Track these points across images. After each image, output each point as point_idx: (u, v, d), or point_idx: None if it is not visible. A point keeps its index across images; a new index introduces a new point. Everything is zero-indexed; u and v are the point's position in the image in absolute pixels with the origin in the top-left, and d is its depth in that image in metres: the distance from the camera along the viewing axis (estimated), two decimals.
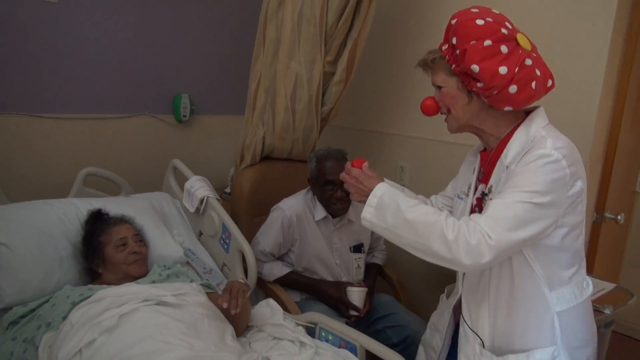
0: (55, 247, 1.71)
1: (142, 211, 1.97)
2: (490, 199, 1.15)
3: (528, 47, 1.10)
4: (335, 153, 2.03)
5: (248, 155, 2.38)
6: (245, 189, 2.34)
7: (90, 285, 1.64)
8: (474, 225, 1.03)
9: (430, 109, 1.25)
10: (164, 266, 1.81)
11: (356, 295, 1.99)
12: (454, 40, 1.11)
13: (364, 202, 1.18)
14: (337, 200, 2.00)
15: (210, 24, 2.85)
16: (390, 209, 1.12)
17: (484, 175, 1.25)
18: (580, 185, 1.10)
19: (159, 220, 2.04)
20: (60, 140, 2.35)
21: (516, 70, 1.06)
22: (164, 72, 2.70)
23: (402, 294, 2.31)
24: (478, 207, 1.25)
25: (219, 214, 2.07)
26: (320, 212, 2.07)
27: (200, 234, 2.22)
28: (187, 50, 2.77)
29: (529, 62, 1.09)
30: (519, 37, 1.10)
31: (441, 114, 1.26)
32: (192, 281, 1.78)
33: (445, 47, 1.17)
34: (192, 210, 2.14)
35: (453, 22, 1.13)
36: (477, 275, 1.23)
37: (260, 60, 2.31)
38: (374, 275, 2.26)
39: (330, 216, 2.08)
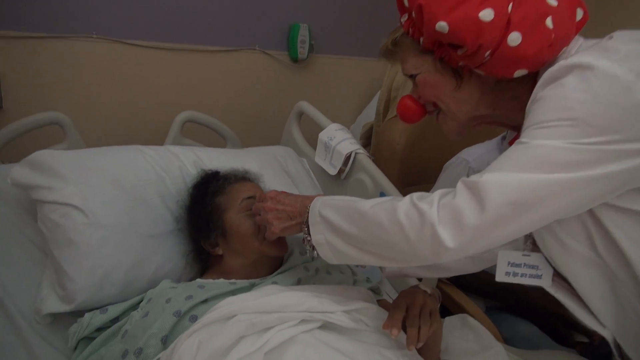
0: (151, 218, 1.11)
1: (268, 169, 1.33)
2: None
3: None
4: None
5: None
6: (399, 146, 1.65)
7: (200, 281, 1.03)
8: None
9: (411, 112, 0.93)
10: (307, 253, 1.17)
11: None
12: (406, 1, 0.82)
13: (294, 230, 0.93)
14: None
15: None
16: (342, 213, 0.82)
17: None
18: None
19: (292, 183, 1.39)
20: (148, 75, 1.79)
21: (510, 6, 0.73)
22: None
23: None
24: None
25: (376, 179, 1.39)
26: None
27: None
28: None
29: None
30: None
31: (429, 114, 0.93)
32: (355, 282, 1.13)
33: (404, 18, 0.86)
34: (332, 171, 1.48)
35: None
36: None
37: None
38: None
39: None
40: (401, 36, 0.87)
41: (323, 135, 1.53)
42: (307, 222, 0.87)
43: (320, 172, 1.56)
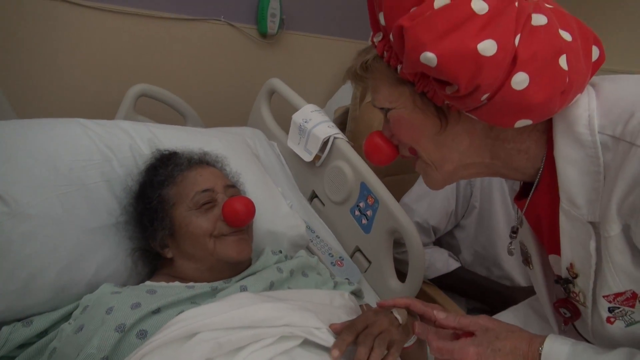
0: (92, 207, 0.91)
1: (236, 151, 1.16)
2: (578, 291, 0.65)
3: None
4: None
5: None
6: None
7: (150, 284, 0.85)
8: None
9: (381, 153, 0.76)
10: (280, 252, 1.01)
11: None
12: (382, 18, 0.63)
13: None
14: None
15: None
16: None
17: (545, 241, 0.72)
18: None
19: (263, 169, 1.22)
20: (96, 40, 1.56)
21: (517, 39, 0.56)
22: None
23: None
24: (563, 306, 0.71)
25: (357, 167, 1.24)
26: None
27: (313, 196, 1.40)
28: None
29: (540, 19, 0.57)
30: None
31: (402, 157, 0.76)
32: (336, 284, 0.98)
33: (377, 37, 0.67)
34: (308, 158, 1.32)
35: None
36: None
37: None
38: None
39: None
40: (373, 59, 0.68)
41: (297, 117, 1.36)
42: None
43: (292, 157, 1.40)
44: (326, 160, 1.32)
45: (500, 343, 0.64)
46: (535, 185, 0.68)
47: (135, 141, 1.03)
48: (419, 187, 1.34)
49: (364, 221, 1.24)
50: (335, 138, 1.30)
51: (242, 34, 1.92)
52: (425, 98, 0.64)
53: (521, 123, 0.60)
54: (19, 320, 0.77)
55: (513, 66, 0.56)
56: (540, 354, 0.62)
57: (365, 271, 1.24)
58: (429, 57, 0.56)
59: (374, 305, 0.92)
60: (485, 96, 0.58)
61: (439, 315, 0.71)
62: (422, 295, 1.27)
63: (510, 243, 0.80)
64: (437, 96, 0.63)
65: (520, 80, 0.56)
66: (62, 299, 0.81)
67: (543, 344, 0.62)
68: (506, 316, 0.89)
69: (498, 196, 1.28)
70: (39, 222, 0.82)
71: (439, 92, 0.61)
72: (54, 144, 0.93)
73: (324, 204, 1.36)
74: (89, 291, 0.81)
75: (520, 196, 0.73)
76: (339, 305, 0.81)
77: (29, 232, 0.80)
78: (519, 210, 0.75)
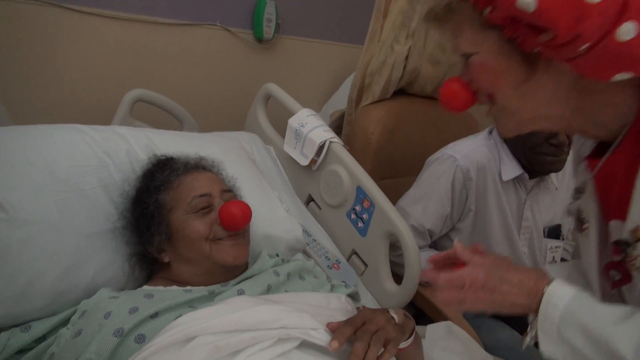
0: (89, 212, 0.92)
1: (232, 156, 1.16)
2: (637, 255, 0.63)
3: None
4: None
5: (377, 85, 1.55)
6: (374, 136, 1.52)
7: (148, 288, 0.86)
8: None
9: (458, 99, 0.72)
10: (277, 255, 1.02)
11: None
12: None
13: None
14: (554, 148, 1.21)
15: None
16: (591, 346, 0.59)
17: (612, 204, 0.69)
18: None
19: (259, 174, 1.23)
20: (93, 46, 1.57)
21: None
22: None
23: None
24: (615, 269, 0.70)
25: (353, 171, 1.25)
26: (512, 167, 1.29)
27: (310, 200, 1.41)
28: None
29: None
30: None
31: (480, 104, 0.72)
32: (332, 287, 0.99)
33: None
34: (304, 162, 1.33)
35: None
36: None
37: None
38: None
39: (526, 175, 1.30)
40: (458, 0, 0.64)
41: (293, 122, 1.37)
42: (536, 310, 0.66)
43: (289, 161, 1.41)
44: (322, 164, 1.32)
45: (510, 274, 0.67)
46: (618, 142, 0.65)
47: (132, 146, 1.04)
48: (415, 190, 1.34)
49: (360, 224, 1.24)
50: (331, 142, 1.31)
51: (238, 39, 1.93)
52: (512, 44, 0.61)
53: (620, 77, 0.56)
54: (17, 325, 0.77)
55: (622, 14, 0.52)
56: (544, 293, 0.64)
57: (361, 274, 1.24)
58: (527, 0, 0.53)
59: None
60: (584, 46, 0.54)
61: (458, 244, 0.73)
62: (418, 298, 1.28)
63: (571, 203, 0.80)
64: (527, 43, 0.59)
65: (627, 30, 0.52)
66: (60, 304, 0.82)
67: (549, 285, 0.64)
68: (551, 268, 0.91)
69: (493, 200, 1.29)
70: (37, 228, 0.82)
71: (530, 39, 0.58)
72: (52, 150, 0.93)
73: (320, 208, 1.37)
74: (86, 296, 0.82)
75: (594, 156, 0.70)
76: (335, 308, 0.82)
77: (27, 238, 0.81)
78: (589, 171, 0.72)
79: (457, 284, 0.68)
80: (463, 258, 0.71)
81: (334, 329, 0.70)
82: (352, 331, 0.70)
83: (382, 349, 0.69)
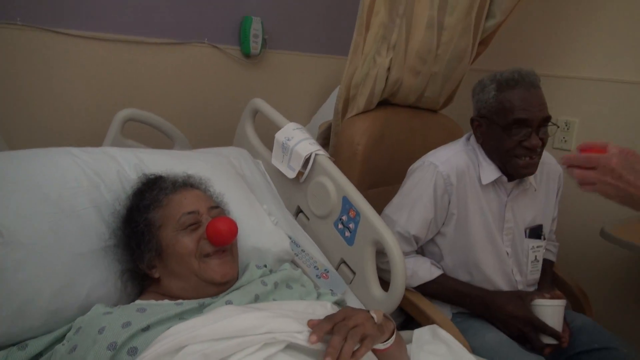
0: (82, 232, 0.95)
1: (220, 172, 1.20)
2: None
3: None
4: (528, 76, 1.26)
5: (361, 97, 1.60)
6: (360, 146, 1.56)
7: (140, 302, 0.89)
8: None
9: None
10: (265, 266, 1.05)
11: (550, 312, 1.27)
12: None
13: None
14: (527, 151, 1.25)
15: None
16: None
17: None
18: None
19: (247, 188, 1.27)
20: (84, 69, 1.61)
21: None
22: None
23: (588, 310, 1.59)
24: None
25: (338, 182, 1.29)
26: (490, 171, 1.33)
27: (299, 211, 1.45)
28: None
29: None
30: None
31: None
32: (319, 295, 1.02)
33: None
34: (291, 175, 1.37)
35: None
36: None
37: None
38: (549, 277, 1.55)
39: (505, 178, 1.33)
40: None
41: (280, 136, 1.41)
42: None
43: (277, 175, 1.45)
44: (309, 176, 1.36)
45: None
46: None
47: (122, 167, 1.08)
48: (399, 198, 1.38)
49: (347, 234, 1.28)
50: (316, 155, 1.35)
51: (226, 55, 1.98)
52: None
53: None
54: (14, 344, 0.80)
55: None
56: None
57: (350, 282, 1.28)
58: None
59: None
60: None
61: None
62: (406, 303, 1.32)
63: None
64: None
65: None
66: (55, 322, 0.85)
67: None
68: None
69: (474, 203, 1.32)
70: (32, 249, 0.86)
71: None
72: (45, 173, 0.97)
73: (308, 219, 1.41)
74: (81, 314, 0.85)
75: None
76: (320, 315, 0.85)
77: (22, 260, 0.84)
78: None
79: (591, 164, 0.76)
80: (602, 146, 0.78)
81: (314, 326, 0.73)
82: (331, 326, 0.73)
83: (359, 345, 0.71)
